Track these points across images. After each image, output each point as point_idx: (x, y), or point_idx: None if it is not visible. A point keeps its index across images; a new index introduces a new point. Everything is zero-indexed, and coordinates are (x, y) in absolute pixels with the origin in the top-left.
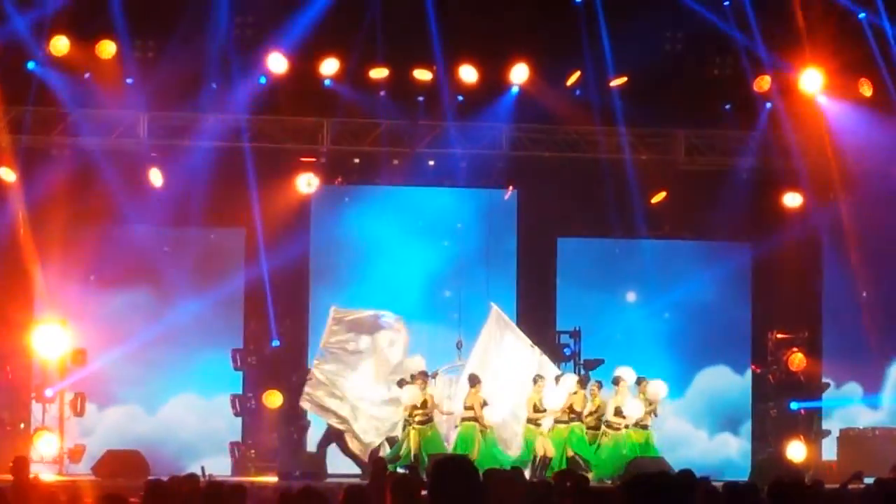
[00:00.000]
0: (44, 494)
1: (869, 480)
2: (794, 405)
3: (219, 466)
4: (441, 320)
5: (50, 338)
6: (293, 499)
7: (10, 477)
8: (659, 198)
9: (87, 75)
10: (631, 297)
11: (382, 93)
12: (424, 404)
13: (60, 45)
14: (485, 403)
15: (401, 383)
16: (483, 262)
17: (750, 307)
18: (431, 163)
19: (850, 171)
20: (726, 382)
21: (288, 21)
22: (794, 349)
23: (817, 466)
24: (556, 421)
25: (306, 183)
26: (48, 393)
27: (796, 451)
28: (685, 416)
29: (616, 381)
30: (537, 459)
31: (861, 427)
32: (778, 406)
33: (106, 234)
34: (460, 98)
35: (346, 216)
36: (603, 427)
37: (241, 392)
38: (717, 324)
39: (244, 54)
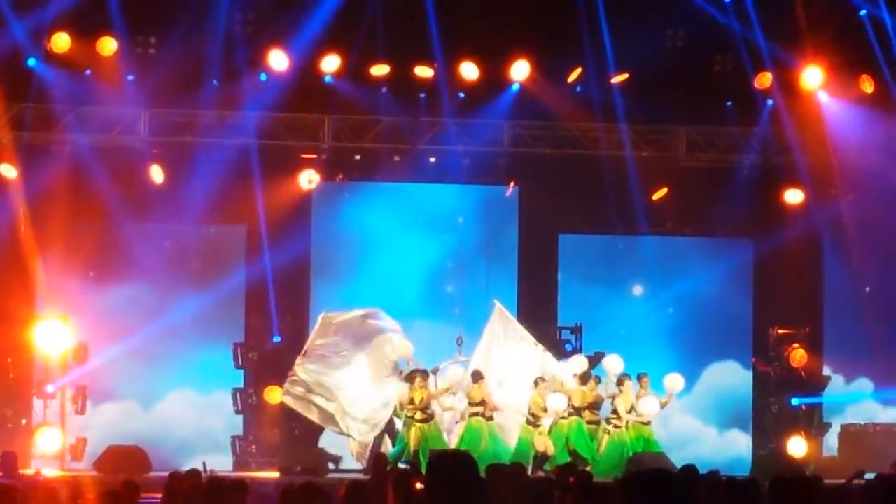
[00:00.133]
0: (44, 491)
1: (870, 476)
2: (794, 401)
3: (217, 462)
4: (442, 316)
5: (51, 333)
6: (294, 494)
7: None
8: (660, 194)
9: (87, 72)
10: (638, 290)
11: (384, 89)
12: (412, 402)
13: (61, 42)
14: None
15: (410, 377)
16: (484, 257)
17: (751, 303)
18: (432, 159)
19: (852, 167)
20: (734, 378)
21: (289, 17)
22: (796, 345)
23: (818, 462)
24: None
25: (307, 179)
26: (49, 389)
27: (797, 446)
28: (693, 413)
29: (620, 382)
30: (538, 456)
31: (862, 423)
32: (779, 402)
33: (107, 231)
34: (461, 95)
35: (347, 212)
36: (604, 424)
37: (241, 387)
38: (719, 320)
39: (245, 51)
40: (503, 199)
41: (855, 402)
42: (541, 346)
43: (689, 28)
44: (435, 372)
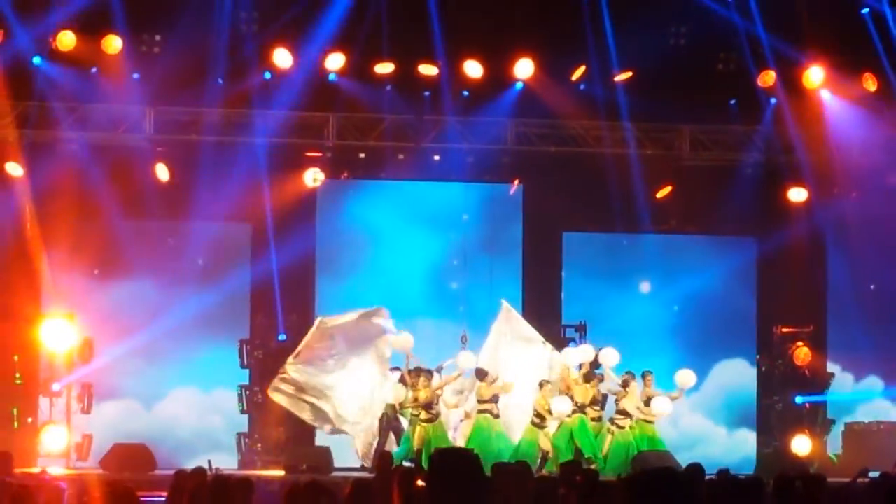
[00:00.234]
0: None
1: (874, 474)
2: (798, 399)
3: (222, 460)
4: (446, 314)
5: (57, 331)
6: (300, 493)
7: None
8: (664, 192)
9: (93, 70)
10: (645, 287)
11: (388, 88)
12: (416, 400)
13: (66, 40)
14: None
15: (412, 375)
16: (488, 255)
17: (755, 301)
18: (437, 157)
19: (855, 165)
20: (741, 376)
21: (294, 16)
22: (799, 343)
23: (822, 460)
24: None
25: (312, 177)
26: (55, 387)
27: (801, 444)
28: (702, 412)
29: (625, 384)
30: (542, 456)
31: (866, 421)
32: (783, 400)
33: (112, 229)
34: (465, 93)
35: (352, 210)
36: (607, 424)
37: (247, 385)
38: (723, 317)
39: (250, 50)
40: (507, 197)
41: (865, 400)
42: (549, 345)
43: (692, 26)
44: (439, 370)
